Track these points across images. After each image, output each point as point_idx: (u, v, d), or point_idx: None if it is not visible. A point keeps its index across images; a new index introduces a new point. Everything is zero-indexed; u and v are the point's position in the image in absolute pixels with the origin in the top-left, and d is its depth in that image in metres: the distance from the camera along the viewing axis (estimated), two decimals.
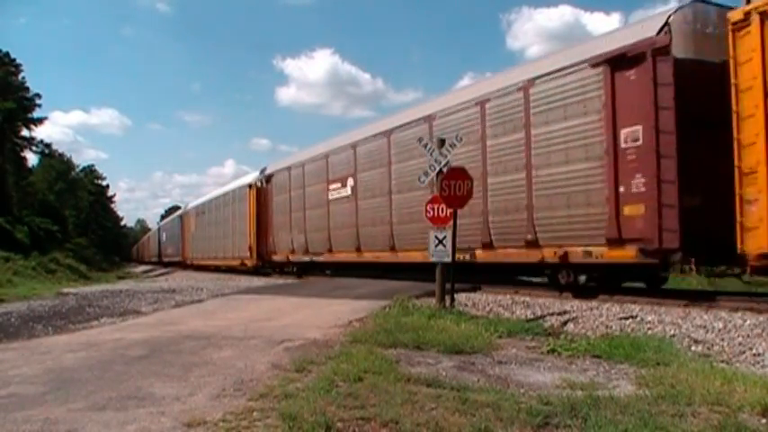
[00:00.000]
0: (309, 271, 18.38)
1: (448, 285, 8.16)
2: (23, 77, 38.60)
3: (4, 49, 37.45)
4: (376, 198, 13.96)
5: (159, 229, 51.27)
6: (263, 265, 21.43)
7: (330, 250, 16.19)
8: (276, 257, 20.25)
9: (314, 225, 17.12)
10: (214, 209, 27.65)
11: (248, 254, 21.85)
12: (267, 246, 20.73)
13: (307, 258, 17.61)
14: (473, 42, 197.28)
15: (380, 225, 13.73)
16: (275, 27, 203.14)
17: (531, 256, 9.59)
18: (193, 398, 3.91)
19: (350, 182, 15.01)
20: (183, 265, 35.67)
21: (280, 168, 20.15)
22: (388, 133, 13.51)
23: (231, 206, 24.43)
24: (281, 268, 20.63)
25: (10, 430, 3.32)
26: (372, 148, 14.22)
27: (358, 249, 14.67)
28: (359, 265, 15.28)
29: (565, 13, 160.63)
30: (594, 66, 8.43)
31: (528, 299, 9.22)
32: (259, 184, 21.63)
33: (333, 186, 15.92)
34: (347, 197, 15.15)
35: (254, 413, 3.50)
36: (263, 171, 21.91)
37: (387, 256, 13.58)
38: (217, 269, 27.26)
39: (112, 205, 78.77)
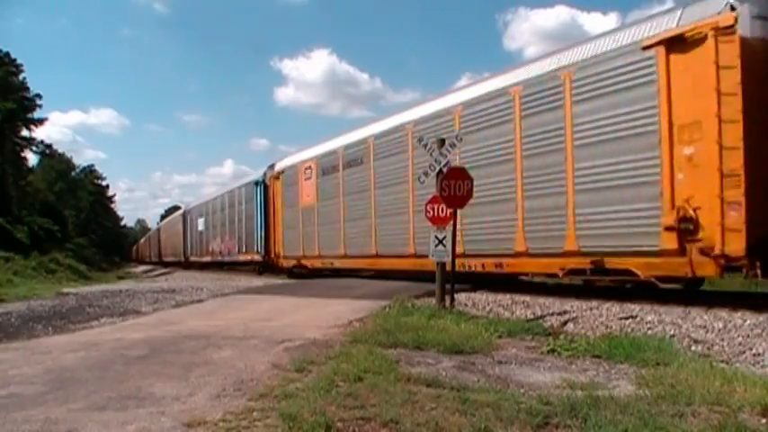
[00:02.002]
0: None
1: (448, 285, 8.17)
2: (24, 77, 38.77)
3: (4, 50, 37.59)
4: None
5: (185, 214, 36.42)
6: None
7: None
8: None
9: None
10: (394, 152, 13.16)
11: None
12: None
13: None
14: (470, 43, 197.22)
15: None
16: (272, 27, 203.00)
17: None
18: (193, 398, 3.91)
19: None
20: (270, 269, 20.83)
21: None
22: None
23: (497, 128, 10.12)
24: None
25: (10, 430, 3.32)
26: None
27: None
28: None
29: (561, 14, 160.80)
30: None
31: (528, 299, 9.21)
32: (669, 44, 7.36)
33: None
34: None
35: (254, 413, 3.50)
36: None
37: None
38: (405, 277, 12.79)
39: (112, 205, 79.19)
